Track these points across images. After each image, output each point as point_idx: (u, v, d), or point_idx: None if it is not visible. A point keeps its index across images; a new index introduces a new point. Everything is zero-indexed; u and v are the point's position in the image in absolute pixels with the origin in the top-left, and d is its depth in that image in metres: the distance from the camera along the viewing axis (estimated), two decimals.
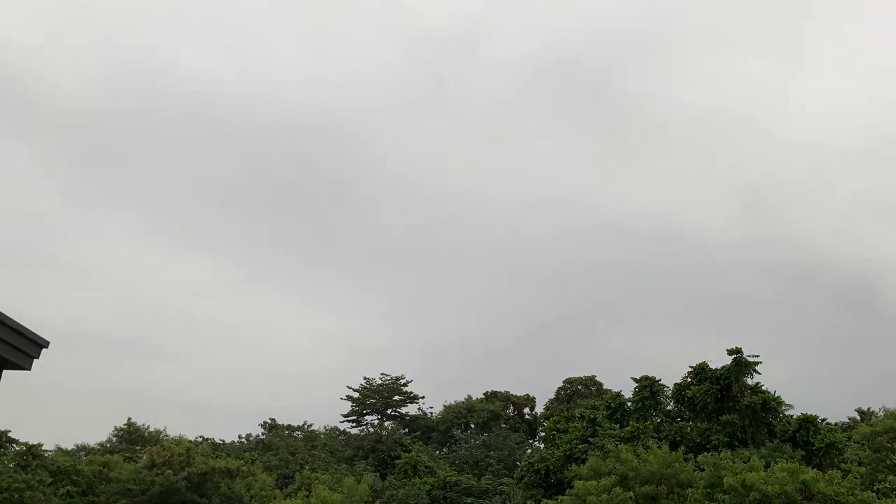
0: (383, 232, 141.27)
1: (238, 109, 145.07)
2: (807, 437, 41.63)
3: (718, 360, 45.23)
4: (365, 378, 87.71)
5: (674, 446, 39.79)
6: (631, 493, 33.70)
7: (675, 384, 46.86)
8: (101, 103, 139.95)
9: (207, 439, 71.68)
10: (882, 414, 58.21)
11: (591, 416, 47.46)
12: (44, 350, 8.54)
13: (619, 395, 49.24)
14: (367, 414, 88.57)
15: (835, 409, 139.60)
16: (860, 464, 41.25)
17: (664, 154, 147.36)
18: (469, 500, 61.37)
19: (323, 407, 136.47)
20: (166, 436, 66.57)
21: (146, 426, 71.78)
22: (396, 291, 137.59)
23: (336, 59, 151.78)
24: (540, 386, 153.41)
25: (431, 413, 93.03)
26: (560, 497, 37.47)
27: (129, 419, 71.76)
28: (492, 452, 76.54)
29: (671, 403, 47.52)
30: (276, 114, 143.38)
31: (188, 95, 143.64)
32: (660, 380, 47.80)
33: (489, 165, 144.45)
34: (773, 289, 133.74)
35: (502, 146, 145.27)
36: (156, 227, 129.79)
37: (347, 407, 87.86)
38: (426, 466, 67.93)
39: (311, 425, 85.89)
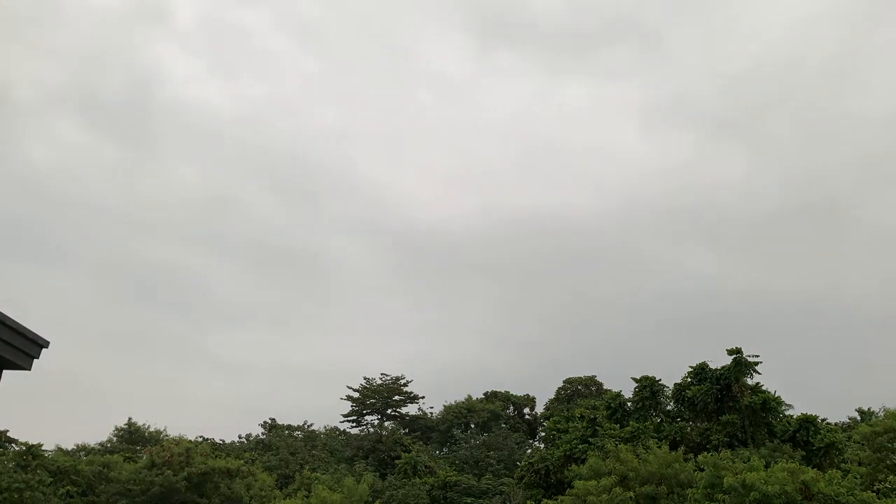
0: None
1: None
2: (807, 437, 41.63)
3: (719, 361, 45.30)
4: (365, 378, 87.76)
5: (674, 446, 39.81)
6: (631, 493, 33.71)
7: (675, 384, 46.86)
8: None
9: (207, 439, 71.67)
10: (882, 414, 58.14)
11: (591, 416, 47.46)
12: (44, 350, 8.54)
13: (619, 395, 49.23)
14: (367, 414, 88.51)
15: (835, 409, 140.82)
16: (860, 464, 41.20)
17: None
18: (469, 500, 61.36)
19: (323, 407, 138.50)
20: (166, 436, 66.58)
21: (146, 426, 71.87)
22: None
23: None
24: (540, 386, 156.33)
25: (431, 413, 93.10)
26: (560, 497, 37.49)
27: (130, 419, 71.89)
28: (492, 452, 76.52)
29: (671, 403, 47.51)
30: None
31: (543, 234, 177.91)
32: (660, 380, 47.83)
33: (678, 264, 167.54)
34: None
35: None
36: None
37: (347, 407, 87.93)
38: (426, 466, 67.91)
39: (311, 425, 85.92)
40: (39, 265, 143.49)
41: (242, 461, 55.06)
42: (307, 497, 45.14)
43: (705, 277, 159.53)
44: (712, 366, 45.31)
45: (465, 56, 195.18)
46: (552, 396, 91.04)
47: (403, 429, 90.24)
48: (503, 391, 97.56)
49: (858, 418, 69.03)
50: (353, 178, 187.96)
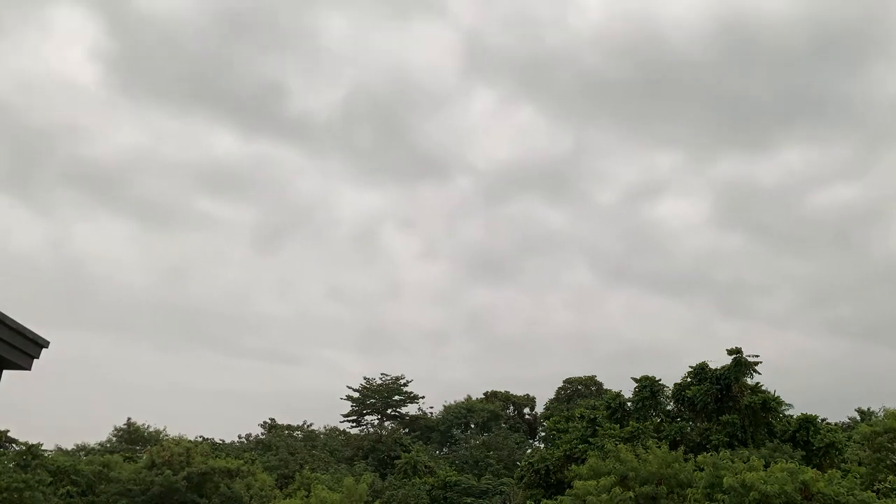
0: None
1: None
2: (807, 437, 41.61)
3: (718, 360, 45.29)
4: (365, 378, 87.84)
5: (674, 446, 39.77)
6: (631, 493, 33.70)
7: (675, 384, 46.84)
8: None
9: (207, 439, 71.63)
10: (882, 414, 58.12)
11: (591, 416, 47.43)
12: (44, 350, 8.54)
13: (619, 395, 49.18)
14: (367, 414, 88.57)
15: (835, 409, 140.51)
16: (860, 464, 41.17)
17: None
18: (469, 500, 61.38)
19: (323, 407, 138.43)
20: (166, 436, 66.56)
21: (146, 426, 71.85)
22: None
23: None
24: (540, 386, 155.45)
25: (431, 413, 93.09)
26: (560, 497, 37.48)
27: (129, 419, 71.88)
28: (492, 452, 76.55)
29: (671, 403, 47.49)
30: None
31: None
32: (660, 380, 47.81)
33: None
34: None
35: None
36: None
37: (347, 407, 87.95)
38: (426, 466, 67.90)
39: (310, 425, 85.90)
40: None
41: (242, 461, 55.04)
42: (307, 497, 45.09)
43: None
44: (712, 366, 45.32)
45: None
46: (552, 396, 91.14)
47: (403, 429, 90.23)
48: (503, 391, 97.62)
49: (858, 418, 69.02)
50: None
